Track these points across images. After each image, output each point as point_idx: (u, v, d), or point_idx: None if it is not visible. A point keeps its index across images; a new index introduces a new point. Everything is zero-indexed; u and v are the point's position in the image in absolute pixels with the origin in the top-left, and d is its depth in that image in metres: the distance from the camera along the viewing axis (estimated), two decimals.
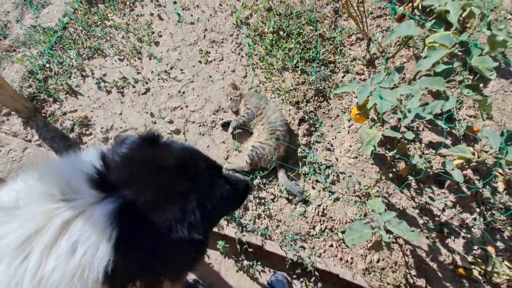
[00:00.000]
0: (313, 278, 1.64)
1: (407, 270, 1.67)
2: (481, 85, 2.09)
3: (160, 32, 2.29)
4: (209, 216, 0.61)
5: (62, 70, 2.11)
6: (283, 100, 2.10)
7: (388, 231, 1.32)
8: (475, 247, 1.68)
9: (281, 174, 1.84)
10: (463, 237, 1.72)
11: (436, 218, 1.77)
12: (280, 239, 1.73)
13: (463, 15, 1.42)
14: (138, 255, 0.49)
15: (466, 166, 1.57)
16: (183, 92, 2.11)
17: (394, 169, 1.82)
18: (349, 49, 2.27)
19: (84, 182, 0.50)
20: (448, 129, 1.97)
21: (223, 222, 1.73)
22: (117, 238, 0.45)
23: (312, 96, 2.10)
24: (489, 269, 1.55)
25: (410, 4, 1.96)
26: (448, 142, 1.94)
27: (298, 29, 2.25)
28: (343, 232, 1.74)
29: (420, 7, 1.94)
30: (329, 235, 1.75)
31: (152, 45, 2.24)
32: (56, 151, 1.89)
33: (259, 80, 2.17)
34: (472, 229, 1.74)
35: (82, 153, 0.64)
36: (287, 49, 2.19)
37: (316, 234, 1.75)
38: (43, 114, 1.97)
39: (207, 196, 0.62)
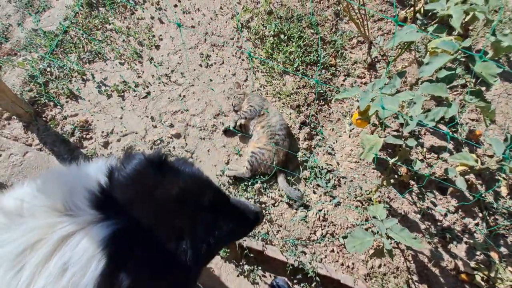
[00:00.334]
0: (314, 283, 1.63)
1: (408, 276, 1.66)
2: (484, 88, 2.07)
3: (160, 35, 2.28)
4: (206, 254, 0.59)
5: (62, 74, 2.11)
6: (283, 104, 2.09)
7: (390, 237, 1.31)
8: (478, 253, 1.67)
9: (281, 179, 1.83)
10: (466, 243, 1.71)
11: (438, 223, 1.76)
12: (281, 244, 1.72)
13: (466, 19, 1.40)
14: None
15: (469, 171, 1.56)
16: (184, 96, 2.10)
17: (395, 175, 1.81)
18: (350, 52, 2.26)
19: (86, 199, 0.49)
20: (450, 132, 1.96)
21: None
22: (103, 269, 0.45)
23: (313, 99, 2.09)
24: (492, 275, 1.54)
25: (412, 8, 1.95)
26: (450, 146, 1.93)
27: (299, 33, 2.24)
28: (344, 237, 1.73)
29: (422, 11, 1.93)
30: (330, 240, 1.74)
31: (152, 48, 2.24)
32: (57, 156, 1.89)
33: (260, 83, 2.16)
34: (475, 234, 1.72)
35: (90, 163, 0.63)
36: (288, 53, 2.18)
37: (317, 239, 1.74)
38: (44, 118, 1.97)
39: (207, 234, 0.60)
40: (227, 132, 2.00)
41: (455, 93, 2.06)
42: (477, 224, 1.73)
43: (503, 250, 1.67)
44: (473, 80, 2.07)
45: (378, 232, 1.33)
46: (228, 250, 1.68)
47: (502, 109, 2.05)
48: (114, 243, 0.46)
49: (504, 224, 1.71)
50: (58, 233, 0.45)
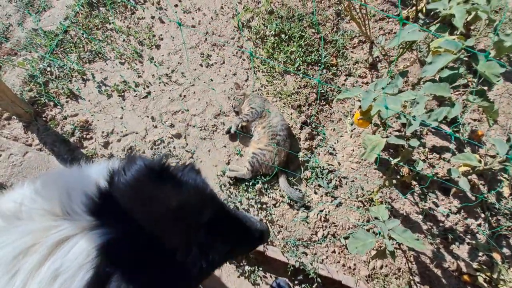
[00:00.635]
0: (315, 284, 1.62)
1: (410, 277, 1.65)
2: (486, 88, 2.06)
3: (161, 35, 2.27)
4: (199, 275, 0.57)
5: (63, 74, 2.10)
6: (284, 104, 2.09)
7: (392, 238, 1.30)
8: (480, 254, 1.66)
9: (282, 179, 1.82)
10: (468, 244, 1.70)
11: (440, 224, 1.75)
12: (282, 245, 1.71)
13: (468, 19, 1.39)
14: None
15: (471, 172, 1.55)
16: (184, 96, 2.09)
17: (397, 175, 1.80)
18: (352, 52, 2.25)
19: (83, 204, 0.48)
20: (453, 133, 1.95)
21: None
22: (90, 279, 0.44)
23: (314, 99, 2.08)
24: (495, 276, 1.53)
25: (414, 8, 1.94)
26: (452, 146, 1.92)
27: (300, 32, 2.23)
28: (346, 238, 1.73)
29: (424, 11, 1.92)
30: (331, 241, 1.73)
31: (153, 48, 2.23)
32: (57, 156, 1.88)
33: (260, 83, 2.15)
34: (477, 235, 1.71)
35: (92, 165, 0.62)
36: (288, 52, 2.18)
37: (318, 240, 1.73)
38: (44, 118, 1.96)
39: (201, 255, 0.56)
40: (230, 134, 1.97)
41: (457, 93, 2.05)
42: (479, 225, 1.72)
43: (506, 251, 1.66)
44: (475, 80, 2.06)
45: (380, 233, 1.32)
46: None
47: (504, 109, 2.04)
48: (105, 253, 0.45)
49: (507, 225, 1.70)
50: (53, 238, 0.45)
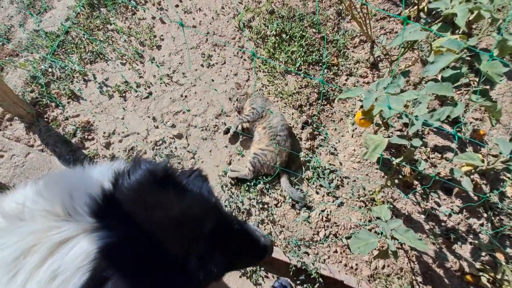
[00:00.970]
0: (317, 284, 1.62)
1: (413, 277, 1.65)
2: (488, 87, 2.05)
3: (162, 35, 2.28)
4: (199, 285, 0.56)
5: (64, 74, 2.10)
6: (285, 104, 2.08)
7: (394, 238, 1.29)
8: (483, 254, 1.65)
9: (283, 179, 1.82)
10: (471, 243, 1.69)
11: (443, 224, 1.74)
12: (283, 245, 1.71)
13: (470, 18, 1.38)
14: None
15: (473, 171, 1.54)
16: (185, 96, 2.09)
17: (399, 175, 1.79)
18: (353, 51, 2.25)
19: (86, 205, 0.48)
20: (453, 133, 1.94)
21: None
22: (84, 283, 0.44)
23: (315, 99, 2.08)
24: (498, 276, 1.52)
25: (415, 7, 1.93)
26: (454, 145, 1.91)
27: (301, 32, 2.22)
28: (347, 238, 1.72)
29: (425, 10, 1.91)
30: (333, 241, 1.73)
31: (154, 49, 2.23)
32: (59, 157, 1.89)
33: (261, 83, 2.15)
34: (480, 235, 1.71)
35: (95, 166, 0.61)
36: (289, 52, 2.17)
37: (320, 240, 1.73)
38: (46, 119, 1.97)
39: (200, 267, 0.55)
40: (229, 134, 1.97)
41: (458, 92, 2.04)
42: (482, 225, 1.72)
43: (510, 251, 1.65)
44: (477, 80, 2.05)
45: (382, 233, 1.31)
46: None
47: (506, 109, 2.03)
48: (104, 256, 0.45)
49: (510, 225, 1.69)
50: (53, 239, 0.45)
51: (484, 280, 1.58)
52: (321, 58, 2.19)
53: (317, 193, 1.85)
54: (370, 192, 1.81)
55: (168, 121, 2.02)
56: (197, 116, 2.04)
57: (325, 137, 1.99)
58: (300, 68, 2.15)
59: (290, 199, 1.80)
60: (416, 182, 1.82)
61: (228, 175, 1.84)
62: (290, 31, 2.23)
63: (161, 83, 2.12)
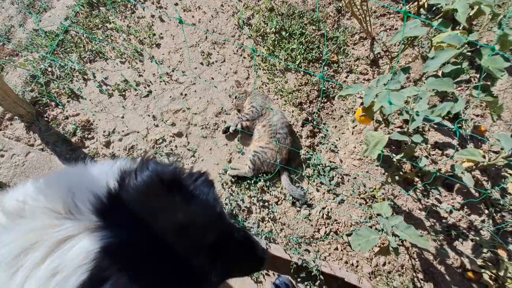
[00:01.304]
0: (318, 282, 1.61)
1: (414, 274, 1.65)
2: (489, 83, 2.04)
3: (161, 34, 2.27)
4: None
5: (64, 74, 2.10)
6: (286, 102, 2.08)
7: (395, 235, 1.29)
8: (485, 250, 1.65)
9: (284, 177, 1.81)
10: (472, 240, 1.69)
11: (443, 220, 1.74)
12: (284, 243, 1.71)
13: (471, 14, 1.37)
14: None
15: (474, 168, 1.54)
16: (185, 95, 2.09)
17: (400, 172, 1.79)
18: (353, 48, 2.24)
19: (89, 203, 0.47)
20: (454, 129, 1.93)
21: None
22: (82, 283, 0.43)
23: (315, 97, 2.07)
24: (501, 273, 1.52)
25: (416, 3, 1.92)
26: (455, 142, 1.90)
27: (301, 29, 2.22)
28: (348, 235, 1.72)
29: (426, 6, 1.90)
30: (334, 238, 1.72)
31: (153, 47, 2.22)
32: (59, 156, 1.89)
33: (261, 81, 2.14)
34: (481, 231, 1.70)
35: (97, 164, 0.61)
36: (289, 50, 2.17)
37: (320, 237, 1.73)
38: (46, 119, 1.97)
39: (200, 276, 0.55)
40: (226, 133, 1.97)
41: (459, 88, 2.03)
42: (483, 221, 1.71)
43: None
44: (477, 76, 2.04)
45: (383, 230, 1.31)
46: None
47: (507, 105, 2.02)
48: (104, 257, 0.44)
49: None
50: (54, 236, 0.44)
51: (486, 277, 1.57)
52: (321, 55, 2.18)
53: (318, 190, 1.85)
54: (370, 189, 1.81)
55: (168, 119, 2.01)
56: (197, 115, 2.04)
57: (325, 135, 1.99)
58: (300, 66, 2.14)
59: (291, 197, 1.80)
60: (416, 179, 1.81)
61: (229, 173, 1.84)
62: (290, 29, 2.22)
63: (160, 81, 2.12)
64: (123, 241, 0.48)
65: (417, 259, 1.67)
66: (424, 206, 1.77)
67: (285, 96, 2.08)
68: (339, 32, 2.25)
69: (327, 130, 1.98)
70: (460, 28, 1.43)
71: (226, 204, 1.78)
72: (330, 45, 2.21)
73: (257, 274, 1.65)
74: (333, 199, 1.81)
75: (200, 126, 2.00)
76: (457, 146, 1.88)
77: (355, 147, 1.93)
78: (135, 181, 0.54)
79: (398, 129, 1.93)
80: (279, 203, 1.81)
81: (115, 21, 2.31)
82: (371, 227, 1.72)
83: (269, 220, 1.76)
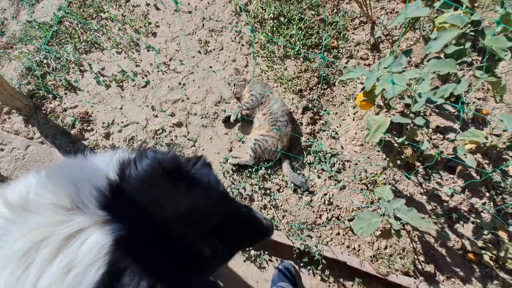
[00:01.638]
0: (321, 266, 1.64)
1: (415, 256, 1.67)
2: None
3: (157, 22, 2.22)
4: (210, 270, 0.58)
5: (59, 65, 2.07)
6: (285, 89, 2.06)
7: (397, 218, 1.30)
8: (485, 232, 1.66)
9: (285, 164, 1.81)
10: (473, 222, 1.70)
11: (445, 204, 1.75)
12: (286, 229, 1.73)
13: None
14: None
15: (476, 151, 1.53)
16: (184, 84, 2.07)
17: (401, 156, 1.78)
18: (353, 33, 2.19)
19: (93, 198, 0.48)
20: (456, 112, 1.92)
21: None
22: (101, 277, 0.44)
23: (315, 83, 2.05)
24: (501, 254, 1.53)
25: None
26: (457, 126, 1.89)
27: (300, 14, 2.17)
28: (350, 220, 1.73)
29: None
30: (335, 223, 1.74)
31: (149, 36, 2.18)
32: (59, 148, 1.88)
33: (260, 69, 2.11)
34: (482, 214, 1.71)
35: (97, 155, 0.60)
36: (288, 36, 2.13)
37: (322, 223, 1.74)
38: (44, 111, 1.95)
39: (211, 256, 0.56)
40: (226, 122, 1.96)
41: (461, 72, 2.01)
42: (484, 204, 1.72)
43: None
44: (480, 59, 2.01)
45: (384, 214, 1.32)
46: None
47: (510, 87, 2.00)
48: (117, 249, 0.45)
49: None
50: (64, 232, 0.44)
51: (486, 258, 1.59)
52: (320, 41, 2.14)
53: (319, 177, 1.85)
54: (372, 175, 1.81)
55: (167, 109, 2.00)
56: (196, 104, 2.02)
57: (326, 121, 1.97)
58: (299, 52, 2.11)
59: (292, 184, 1.80)
60: (418, 164, 1.81)
61: (230, 162, 1.84)
62: (288, 14, 2.17)
63: (158, 71, 2.09)
64: (133, 232, 0.48)
65: (418, 242, 1.69)
66: (425, 190, 1.77)
67: (285, 84, 2.06)
68: (339, 17, 2.20)
69: (327, 112, 1.97)
70: (463, 8, 1.40)
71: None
72: (330, 30, 2.17)
73: (261, 259, 1.67)
74: (335, 185, 1.82)
75: (200, 116, 1.99)
76: (459, 130, 1.87)
77: (356, 133, 1.92)
78: (135, 171, 0.54)
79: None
80: (280, 190, 1.82)
81: (110, 10, 2.25)
82: (372, 212, 1.73)
83: (271, 207, 1.77)
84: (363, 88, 1.70)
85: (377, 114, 1.73)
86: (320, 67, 2.07)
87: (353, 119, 1.97)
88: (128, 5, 2.27)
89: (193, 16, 2.24)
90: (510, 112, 1.94)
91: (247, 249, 1.69)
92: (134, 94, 2.03)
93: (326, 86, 2.07)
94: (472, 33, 1.20)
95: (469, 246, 1.64)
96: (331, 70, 2.08)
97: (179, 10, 2.25)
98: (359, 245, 1.70)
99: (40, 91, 1.98)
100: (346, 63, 2.12)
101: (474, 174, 1.76)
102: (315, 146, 1.89)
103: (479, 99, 1.97)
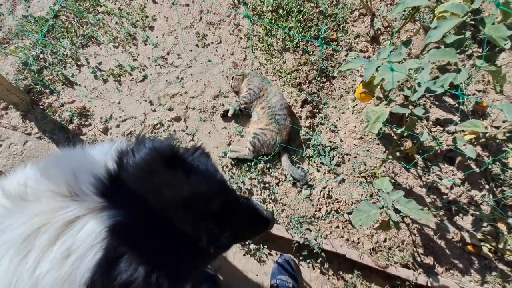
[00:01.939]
0: (320, 259, 1.64)
1: (414, 249, 1.67)
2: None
3: (154, 16, 2.20)
4: (206, 261, 0.58)
5: (56, 60, 2.05)
6: (284, 82, 2.04)
7: (396, 210, 1.29)
8: (485, 224, 1.66)
9: (284, 158, 1.81)
10: (472, 215, 1.70)
11: (444, 196, 1.74)
12: (286, 223, 1.73)
13: None
14: (112, 284, 0.47)
15: (475, 142, 1.52)
16: (182, 78, 2.05)
17: (401, 148, 1.78)
18: (352, 25, 2.17)
19: (91, 185, 0.48)
20: (456, 105, 1.91)
21: None
22: (98, 261, 0.44)
23: (314, 77, 2.03)
24: (500, 246, 1.53)
25: None
26: (456, 118, 1.88)
27: (298, 7, 2.14)
28: (349, 213, 1.73)
29: None
30: (335, 216, 1.74)
31: (146, 30, 2.16)
32: (57, 143, 1.87)
33: (259, 62, 2.10)
34: (481, 206, 1.71)
35: (96, 146, 0.61)
36: (287, 28, 2.10)
37: (322, 216, 1.74)
38: (41, 106, 1.94)
39: (209, 244, 0.56)
40: (225, 116, 1.95)
41: (461, 63, 1.99)
42: (483, 196, 1.72)
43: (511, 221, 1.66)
44: (480, 51, 1.99)
45: (383, 206, 1.32)
46: None
47: (509, 79, 1.98)
48: (115, 235, 0.45)
49: None
50: (62, 218, 0.45)
51: (485, 250, 1.59)
52: (319, 33, 2.12)
53: (318, 170, 1.84)
54: (371, 168, 1.81)
55: (165, 104, 1.98)
56: (194, 98, 2.01)
57: (325, 115, 1.96)
58: (298, 45, 2.09)
59: (291, 178, 1.80)
60: (417, 156, 1.80)
61: (228, 155, 1.83)
62: (287, 6, 2.15)
63: (156, 65, 2.07)
64: (131, 218, 0.48)
65: (417, 235, 1.69)
66: (424, 182, 1.77)
67: (284, 77, 2.04)
68: (338, 9, 2.18)
69: (326, 104, 1.96)
70: None
71: None
72: (329, 22, 2.15)
73: (261, 253, 1.67)
74: (334, 178, 1.81)
75: (198, 110, 1.98)
76: (458, 122, 1.86)
77: (356, 126, 1.91)
78: (134, 159, 0.54)
79: None
80: (279, 184, 1.82)
81: (106, 3, 2.23)
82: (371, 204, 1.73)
83: (270, 201, 1.77)
84: (362, 81, 1.68)
85: (377, 106, 1.72)
86: (319, 60, 2.05)
87: (353, 112, 1.96)
88: None
89: (191, 9, 2.21)
90: (510, 103, 1.93)
91: (247, 242, 1.69)
92: (131, 89, 2.01)
93: (325, 80, 2.06)
94: (473, 22, 1.18)
95: (468, 238, 1.64)
96: (330, 63, 2.07)
97: (177, 3, 2.23)
98: (358, 238, 1.70)
99: (37, 86, 1.97)
100: (346, 55, 2.10)
101: (474, 166, 1.76)
102: (314, 140, 1.88)
103: (479, 91, 1.95)
